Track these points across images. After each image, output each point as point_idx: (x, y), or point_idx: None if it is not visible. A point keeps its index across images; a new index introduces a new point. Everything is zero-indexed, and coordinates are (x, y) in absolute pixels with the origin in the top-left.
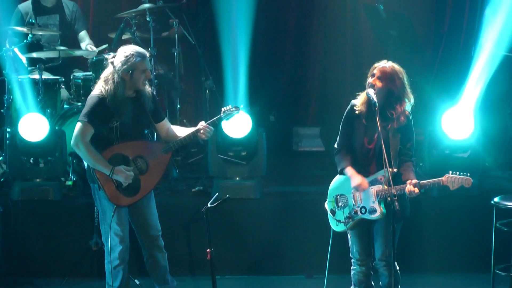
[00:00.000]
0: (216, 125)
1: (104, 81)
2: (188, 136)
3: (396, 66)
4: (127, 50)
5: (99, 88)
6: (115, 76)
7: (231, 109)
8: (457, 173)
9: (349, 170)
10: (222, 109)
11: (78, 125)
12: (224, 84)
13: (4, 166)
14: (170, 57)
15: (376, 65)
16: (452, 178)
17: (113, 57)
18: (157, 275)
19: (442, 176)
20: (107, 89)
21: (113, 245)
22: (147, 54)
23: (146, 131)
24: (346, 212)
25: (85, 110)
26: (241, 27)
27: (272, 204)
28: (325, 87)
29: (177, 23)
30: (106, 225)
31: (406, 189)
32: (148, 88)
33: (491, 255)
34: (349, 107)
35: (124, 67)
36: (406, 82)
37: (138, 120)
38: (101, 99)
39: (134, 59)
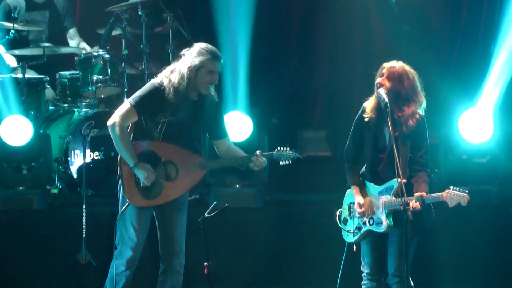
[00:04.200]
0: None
1: (171, 71)
2: (236, 159)
3: (407, 67)
4: (201, 46)
5: (162, 77)
6: (182, 69)
7: (287, 151)
8: (457, 188)
9: (354, 189)
10: (277, 148)
11: (124, 105)
12: (223, 83)
13: None
14: (163, 54)
15: (385, 64)
16: (451, 194)
17: (187, 50)
18: None
19: (447, 189)
20: (170, 80)
21: (123, 250)
22: (221, 57)
23: (194, 143)
24: (356, 222)
25: (137, 93)
26: (241, 21)
27: (275, 213)
28: (332, 87)
29: (171, 18)
30: (122, 224)
31: (410, 204)
32: (215, 100)
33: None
34: (360, 111)
35: (192, 61)
36: (416, 84)
37: (189, 127)
38: (158, 88)
39: (204, 56)
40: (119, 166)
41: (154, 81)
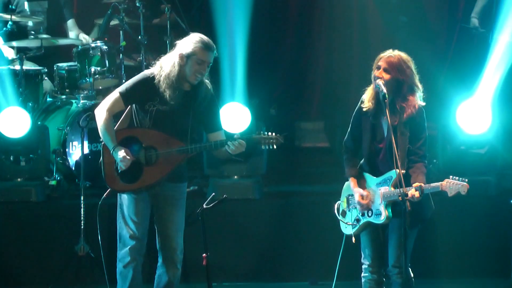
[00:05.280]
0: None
1: (165, 60)
2: (215, 143)
3: (403, 55)
4: (196, 35)
5: (155, 67)
6: (174, 56)
7: (268, 135)
8: (457, 178)
9: (351, 182)
10: (259, 132)
11: (113, 93)
12: (221, 74)
13: None
14: (161, 45)
15: (381, 55)
16: (450, 183)
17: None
18: None
19: (447, 178)
20: (161, 67)
21: (124, 241)
22: (214, 49)
23: (184, 133)
24: (355, 214)
25: (127, 82)
26: (239, 12)
27: (273, 205)
28: (330, 78)
29: (169, 9)
30: (120, 215)
31: (409, 193)
32: (210, 92)
33: (510, 259)
34: (359, 103)
35: (184, 48)
36: (415, 71)
37: (178, 116)
38: (147, 78)
39: (196, 45)
40: (101, 151)
41: (146, 71)
